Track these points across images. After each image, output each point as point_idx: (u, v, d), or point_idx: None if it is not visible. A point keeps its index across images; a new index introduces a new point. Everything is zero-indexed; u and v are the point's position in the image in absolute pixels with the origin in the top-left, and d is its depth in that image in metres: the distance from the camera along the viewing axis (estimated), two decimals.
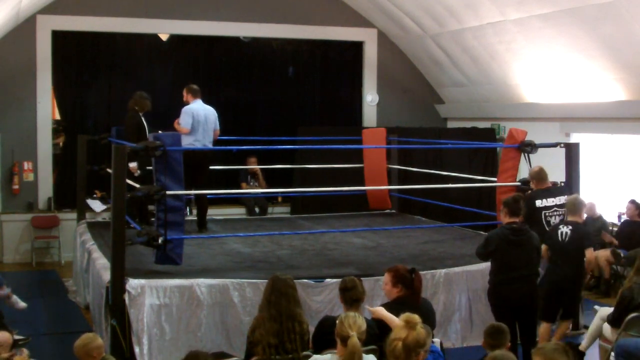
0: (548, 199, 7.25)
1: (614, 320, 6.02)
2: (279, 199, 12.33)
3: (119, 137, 8.90)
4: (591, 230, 9.49)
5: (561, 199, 7.31)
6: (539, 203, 7.21)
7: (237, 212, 11.55)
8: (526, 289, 6.12)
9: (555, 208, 7.23)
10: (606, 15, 8.32)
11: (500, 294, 6.14)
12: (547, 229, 7.07)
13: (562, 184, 7.89)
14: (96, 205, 10.85)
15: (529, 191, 7.57)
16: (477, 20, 10.32)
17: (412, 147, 11.13)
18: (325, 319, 5.37)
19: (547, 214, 7.18)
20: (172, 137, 6.85)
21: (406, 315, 3.95)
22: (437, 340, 5.06)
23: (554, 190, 7.50)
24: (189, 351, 4.62)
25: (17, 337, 6.77)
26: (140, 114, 9.10)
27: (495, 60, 10.88)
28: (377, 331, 4.93)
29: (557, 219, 7.18)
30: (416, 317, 3.91)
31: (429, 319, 5.02)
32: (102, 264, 7.07)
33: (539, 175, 7.45)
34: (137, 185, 6.95)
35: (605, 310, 6.32)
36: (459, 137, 11.85)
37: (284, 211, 12.01)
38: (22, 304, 6.98)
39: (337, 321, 4.32)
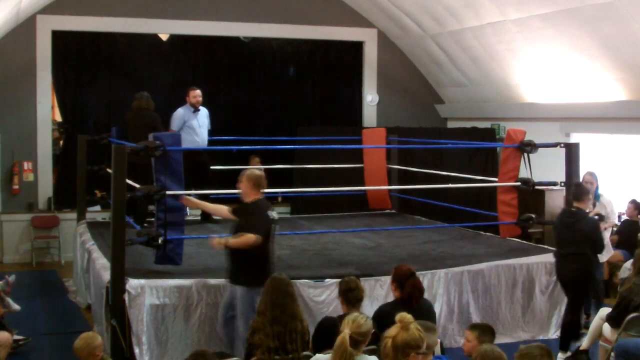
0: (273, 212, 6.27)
1: (613, 319, 6.04)
2: (279, 199, 12.32)
3: (119, 137, 8.89)
4: None
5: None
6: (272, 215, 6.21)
7: None
8: (571, 266, 6.67)
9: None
10: (606, 15, 8.32)
11: (555, 267, 7.02)
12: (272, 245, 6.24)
13: (564, 184, 7.90)
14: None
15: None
16: (477, 20, 10.32)
17: (412, 147, 11.13)
18: (325, 320, 5.37)
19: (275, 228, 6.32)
20: (172, 137, 6.86)
21: (400, 314, 3.95)
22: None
23: None
24: (192, 350, 4.62)
25: (17, 337, 6.77)
26: None
27: (495, 60, 10.88)
28: (377, 331, 4.93)
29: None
30: (409, 317, 3.91)
31: (428, 319, 5.02)
32: (102, 264, 7.07)
33: None
34: (137, 185, 6.94)
35: (605, 311, 6.33)
36: (459, 137, 11.84)
37: (284, 211, 11.99)
38: (16, 307, 6.97)
39: (340, 321, 4.31)
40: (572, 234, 6.68)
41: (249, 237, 5.77)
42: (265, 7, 12.08)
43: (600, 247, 6.82)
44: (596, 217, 7.51)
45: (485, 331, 4.94)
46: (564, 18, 8.87)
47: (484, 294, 7.21)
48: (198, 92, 9.27)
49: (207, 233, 8.49)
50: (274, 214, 6.02)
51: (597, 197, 7.98)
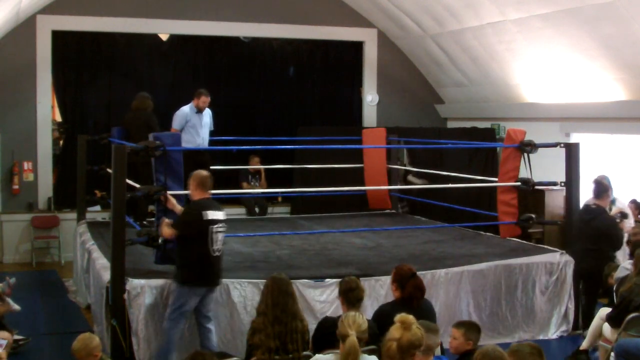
0: (215, 212, 6.03)
1: (613, 319, 6.05)
2: (279, 199, 12.33)
3: (120, 137, 8.89)
4: None
5: (223, 215, 6.12)
6: (206, 215, 5.96)
7: (237, 212, 11.55)
8: (585, 262, 7.25)
9: (221, 224, 6.06)
10: (606, 15, 8.32)
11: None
12: (210, 247, 5.94)
13: (564, 184, 7.90)
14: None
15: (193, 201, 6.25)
16: (477, 20, 10.32)
17: (412, 147, 11.13)
18: (324, 320, 5.37)
19: (214, 229, 5.99)
20: (172, 137, 6.87)
21: (401, 315, 3.95)
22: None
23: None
24: (192, 350, 4.62)
25: (17, 337, 6.77)
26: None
27: (495, 60, 10.88)
28: (377, 331, 4.93)
29: (221, 237, 6.04)
30: (411, 318, 3.92)
31: (429, 319, 5.02)
32: (102, 264, 7.07)
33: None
34: (137, 185, 6.95)
35: (605, 310, 6.34)
36: (459, 137, 11.85)
37: (284, 211, 12.00)
38: (16, 307, 6.97)
39: (338, 321, 4.32)
40: (588, 230, 6.99)
41: (165, 230, 6.10)
42: (265, 7, 12.08)
43: (618, 244, 6.96)
44: (619, 214, 7.60)
45: (471, 328, 4.94)
46: (564, 18, 8.87)
47: (484, 294, 7.21)
48: (208, 99, 9.19)
49: None
50: (216, 214, 5.97)
51: (612, 201, 7.99)
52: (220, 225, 6.03)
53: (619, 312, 5.97)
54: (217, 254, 6.02)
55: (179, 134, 8.20)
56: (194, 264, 5.98)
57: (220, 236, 6.03)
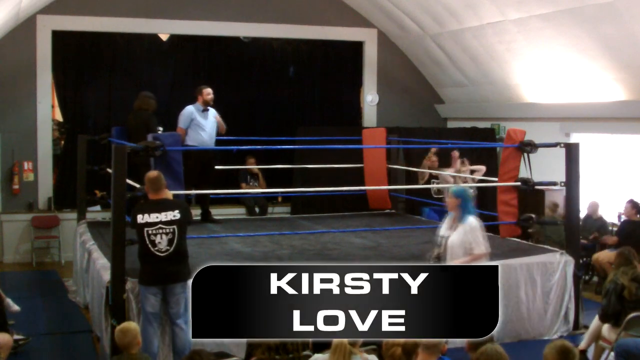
0: (152, 215, 5.98)
1: (604, 315, 6.09)
2: (279, 199, 12.33)
3: (120, 137, 8.89)
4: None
5: (167, 215, 6.01)
6: (140, 219, 5.98)
7: (237, 212, 11.55)
8: None
9: (160, 225, 5.98)
10: (606, 15, 8.33)
11: None
12: (151, 249, 5.96)
13: (564, 184, 7.89)
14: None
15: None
16: (477, 20, 10.32)
17: (413, 147, 11.12)
18: None
19: (150, 232, 5.97)
20: (172, 137, 6.87)
21: None
22: None
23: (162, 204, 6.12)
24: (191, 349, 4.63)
25: (17, 337, 6.77)
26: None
27: (495, 60, 10.88)
28: None
29: (164, 238, 5.95)
30: None
31: None
32: (102, 264, 7.07)
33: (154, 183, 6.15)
34: (138, 185, 6.95)
35: None
36: (459, 137, 11.84)
37: (284, 211, 12.00)
38: (16, 307, 6.97)
39: None
40: None
41: None
42: (265, 7, 12.08)
43: None
44: None
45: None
46: (564, 18, 8.87)
47: None
48: (210, 89, 9.22)
49: (207, 233, 8.51)
50: (153, 216, 5.93)
51: (462, 218, 6.25)
52: (159, 227, 5.93)
53: (608, 303, 6.07)
54: (163, 254, 5.94)
55: (179, 134, 8.21)
56: (142, 264, 6.05)
57: (163, 237, 5.93)
